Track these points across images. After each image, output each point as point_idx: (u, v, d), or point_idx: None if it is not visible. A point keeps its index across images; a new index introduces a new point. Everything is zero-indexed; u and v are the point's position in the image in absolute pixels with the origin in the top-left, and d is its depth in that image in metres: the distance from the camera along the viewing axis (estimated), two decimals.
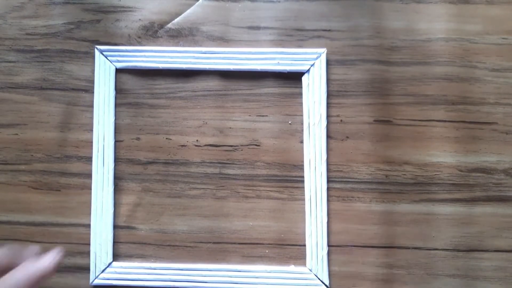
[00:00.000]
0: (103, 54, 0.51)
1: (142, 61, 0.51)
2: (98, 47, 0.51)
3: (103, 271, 0.50)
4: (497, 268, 0.49)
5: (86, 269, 0.51)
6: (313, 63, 0.50)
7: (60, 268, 0.51)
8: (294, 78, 0.51)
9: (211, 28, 0.51)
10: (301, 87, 0.50)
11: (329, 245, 0.49)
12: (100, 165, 0.50)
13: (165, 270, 0.49)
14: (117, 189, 0.51)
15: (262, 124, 0.51)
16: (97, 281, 0.50)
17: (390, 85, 0.50)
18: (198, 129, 0.51)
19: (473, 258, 0.49)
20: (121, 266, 0.50)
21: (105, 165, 0.50)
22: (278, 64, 0.50)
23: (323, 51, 0.50)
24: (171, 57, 0.50)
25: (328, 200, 0.49)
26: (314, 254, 0.49)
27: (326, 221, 0.49)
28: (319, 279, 0.48)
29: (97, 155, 0.50)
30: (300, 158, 0.50)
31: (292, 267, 0.49)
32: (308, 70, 0.50)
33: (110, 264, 0.50)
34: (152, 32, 0.51)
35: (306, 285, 0.48)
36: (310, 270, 0.49)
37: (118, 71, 0.51)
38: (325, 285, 0.49)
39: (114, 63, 0.51)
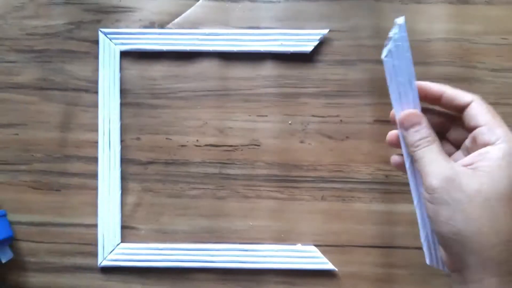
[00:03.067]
0: (107, 37, 0.51)
1: (146, 43, 0.51)
2: (103, 30, 0.51)
3: (110, 252, 0.50)
4: None
5: (86, 268, 0.51)
6: (316, 44, 0.50)
7: (60, 268, 0.51)
8: (296, 60, 0.51)
9: (211, 28, 0.51)
10: (304, 74, 0.50)
11: (329, 245, 0.49)
12: (106, 141, 0.50)
13: (173, 250, 0.49)
14: None
15: (262, 124, 0.51)
16: (105, 263, 0.50)
17: None
18: (198, 129, 0.51)
19: None
20: (129, 247, 0.50)
21: (111, 145, 0.50)
22: (282, 45, 0.50)
23: (326, 31, 0.50)
24: (175, 39, 0.51)
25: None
26: None
27: None
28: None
29: (102, 126, 0.50)
30: (300, 158, 0.50)
31: (299, 246, 0.49)
32: (311, 51, 0.50)
33: (118, 245, 0.50)
34: None
35: (313, 263, 0.48)
36: (317, 248, 0.49)
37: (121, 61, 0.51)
38: (331, 263, 0.49)
39: (118, 46, 0.51)
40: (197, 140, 0.51)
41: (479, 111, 0.32)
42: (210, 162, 0.51)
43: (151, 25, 0.51)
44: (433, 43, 0.50)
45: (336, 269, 0.49)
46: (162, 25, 0.51)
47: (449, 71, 0.50)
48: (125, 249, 0.50)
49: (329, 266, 0.48)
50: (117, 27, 0.52)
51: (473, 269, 0.30)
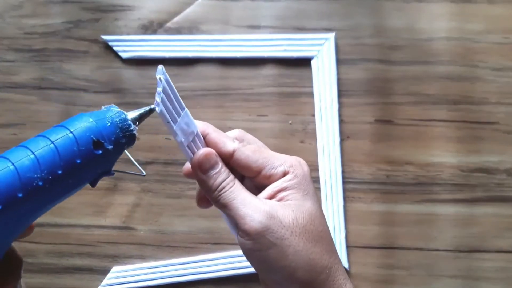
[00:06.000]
0: (109, 45, 0.51)
1: (148, 50, 0.50)
2: (104, 37, 0.51)
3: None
4: (498, 268, 0.49)
5: (84, 270, 0.50)
6: (319, 49, 0.49)
7: (58, 270, 0.50)
8: (299, 64, 0.50)
9: (210, 27, 0.51)
10: (304, 73, 0.50)
11: None
12: None
13: (165, 267, 0.49)
14: (116, 189, 0.51)
15: (262, 124, 0.50)
16: None
17: (391, 85, 0.50)
18: None
19: (474, 259, 0.49)
20: (122, 269, 0.49)
21: None
22: (285, 50, 0.50)
23: (330, 36, 0.49)
24: (177, 46, 0.50)
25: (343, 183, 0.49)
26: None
27: (342, 204, 0.49)
28: None
29: None
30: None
31: None
32: (315, 56, 0.49)
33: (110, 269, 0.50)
34: (151, 31, 0.51)
35: None
36: None
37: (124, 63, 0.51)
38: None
39: (120, 53, 0.51)
40: None
41: (248, 155, 0.29)
42: None
43: (150, 24, 0.51)
44: (435, 42, 0.50)
45: None
46: (161, 24, 0.51)
47: (450, 70, 0.50)
48: (118, 273, 0.49)
49: None
50: (116, 26, 0.51)
51: None
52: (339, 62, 0.50)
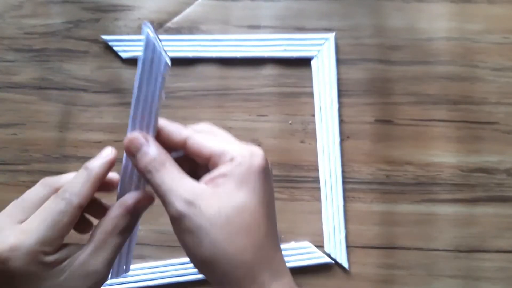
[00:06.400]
0: (109, 45, 0.51)
1: None
2: (104, 37, 0.51)
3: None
4: (498, 268, 0.49)
5: None
6: (319, 49, 0.49)
7: None
8: (299, 64, 0.50)
9: (211, 27, 0.51)
10: (304, 73, 0.50)
11: None
12: None
13: (165, 267, 0.49)
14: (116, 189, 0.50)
15: (262, 124, 0.50)
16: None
17: (391, 85, 0.50)
18: None
19: (474, 259, 0.49)
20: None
21: None
22: (285, 50, 0.50)
23: (330, 36, 0.49)
24: (177, 46, 0.50)
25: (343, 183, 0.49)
26: (331, 238, 0.48)
27: (342, 204, 0.49)
28: (332, 258, 0.49)
29: None
30: (300, 158, 0.50)
31: (292, 243, 0.49)
32: (314, 56, 0.49)
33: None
34: None
35: (309, 259, 0.48)
36: (328, 255, 0.49)
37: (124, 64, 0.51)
38: (332, 259, 0.49)
39: (120, 53, 0.51)
40: None
41: (199, 141, 0.29)
42: None
43: (150, 24, 0.51)
44: (435, 42, 0.50)
45: (333, 262, 0.48)
46: (161, 24, 0.51)
47: (450, 70, 0.50)
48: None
49: (325, 259, 0.48)
50: (116, 26, 0.51)
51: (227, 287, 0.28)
52: (339, 62, 0.50)
